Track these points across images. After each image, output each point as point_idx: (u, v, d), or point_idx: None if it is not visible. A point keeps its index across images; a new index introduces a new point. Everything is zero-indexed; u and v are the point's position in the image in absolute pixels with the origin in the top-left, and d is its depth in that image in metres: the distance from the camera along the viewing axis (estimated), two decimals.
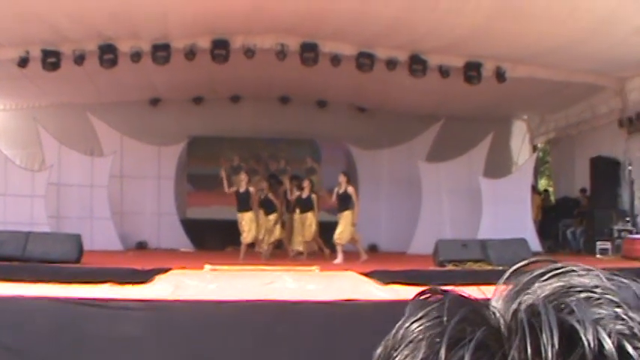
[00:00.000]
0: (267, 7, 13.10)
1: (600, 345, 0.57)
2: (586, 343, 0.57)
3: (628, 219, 16.15)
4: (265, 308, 7.50)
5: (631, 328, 0.59)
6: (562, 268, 0.66)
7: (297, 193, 15.90)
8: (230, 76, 17.15)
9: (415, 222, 17.84)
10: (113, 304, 7.36)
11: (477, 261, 12.65)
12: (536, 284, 0.65)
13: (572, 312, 0.60)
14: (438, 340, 0.61)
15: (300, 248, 16.01)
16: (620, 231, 15.72)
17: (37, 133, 17.44)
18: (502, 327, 0.61)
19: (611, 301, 0.62)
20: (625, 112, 16.32)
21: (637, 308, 0.61)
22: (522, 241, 13.47)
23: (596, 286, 0.63)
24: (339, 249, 14.53)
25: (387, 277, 9.44)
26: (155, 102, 20.04)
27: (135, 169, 18.66)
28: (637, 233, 15.48)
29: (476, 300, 0.65)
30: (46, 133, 17.49)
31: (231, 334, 7.25)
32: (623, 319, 0.60)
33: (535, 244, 15.40)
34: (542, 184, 25.26)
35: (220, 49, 14.70)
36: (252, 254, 14.94)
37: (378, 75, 15.48)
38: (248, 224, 15.23)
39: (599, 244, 15.47)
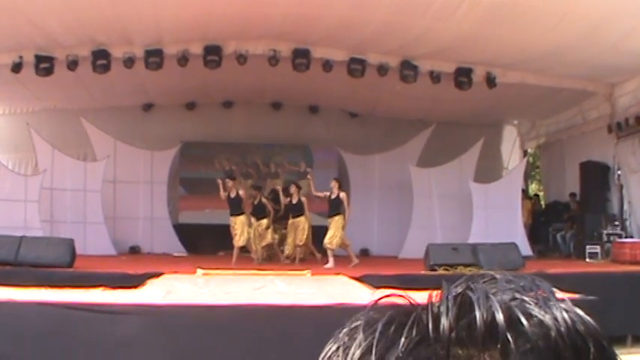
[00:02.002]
0: (259, 13, 13.16)
1: (492, 313, 0.66)
2: (477, 309, 0.66)
3: (617, 223, 16.26)
4: (257, 312, 7.55)
5: (522, 301, 0.67)
6: (467, 278, 0.74)
7: (286, 200, 16.02)
8: (222, 82, 17.19)
9: (406, 226, 17.90)
10: (106, 309, 7.40)
11: (467, 265, 12.68)
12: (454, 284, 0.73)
13: (473, 290, 0.69)
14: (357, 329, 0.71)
15: (288, 252, 16.10)
16: (609, 235, 15.80)
17: (30, 137, 17.44)
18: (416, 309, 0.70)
19: (509, 281, 0.71)
20: (614, 118, 16.42)
21: (531, 289, 0.70)
22: (513, 246, 13.53)
23: (498, 274, 0.73)
24: (330, 253, 14.58)
25: (378, 282, 9.52)
26: (148, 107, 20.06)
27: (128, 173, 18.69)
28: (626, 237, 15.58)
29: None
30: (39, 137, 17.50)
31: (223, 338, 7.30)
32: (516, 294, 0.68)
33: (525, 249, 15.48)
34: (533, 188, 25.34)
35: (213, 54, 14.75)
36: (245, 259, 14.97)
37: (370, 80, 15.55)
38: (240, 227, 15.26)
39: (589, 248, 15.54)
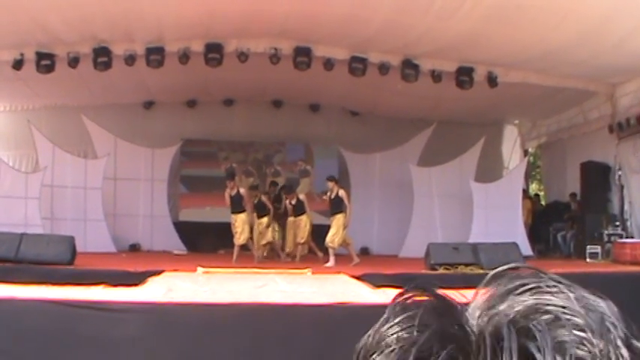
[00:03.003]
0: (260, 11, 13.15)
1: None
2: None
3: (618, 223, 16.26)
4: (257, 311, 7.55)
5: (592, 355, 0.62)
6: (535, 282, 0.69)
7: (286, 202, 16.10)
8: (223, 80, 17.18)
9: (407, 225, 17.89)
10: (106, 306, 7.40)
11: (468, 264, 12.69)
12: (509, 298, 0.68)
13: (534, 338, 0.63)
14: (407, 353, 0.65)
15: (288, 249, 16.16)
16: (610, 235, 15.79)
17: (30, 134, 17.44)
18: (471, 345, 0.65)
19: (576, 325, 0.64)
20: (615, 118, 16.41)
21: (600, 334, 0.63)
22: (513, 245, 13.52)
23: (564, 307, 0.65)
24: (331, 252, 14.58)
25: (378, 280, 9.50)
26: (149, 105, 20.07)
27: (128, 171, 18.70)
28: (627, 238, 15.58)
29: (452, 308, 0.69)
30: (40, 134, 17.51)
31: (223, 337, 7.30)
32: (584, 345, 0.62)
33: (526, 248, 15.48)
34: (533, 188, 25.34)
35: (214, 52, 14.74)
36: (245, 256, 14.96)
37: (371, 79, 15.55)
38: (241, 225, 15.24)
39: (590, 248, 15.53)
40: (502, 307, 0.67)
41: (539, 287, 0.68)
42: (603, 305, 0.67)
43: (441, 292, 0.71)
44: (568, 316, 0.64)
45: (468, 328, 0.66)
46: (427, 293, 0.71)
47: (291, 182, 19.09)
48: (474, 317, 0.68)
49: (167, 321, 7.38)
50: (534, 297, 0.67)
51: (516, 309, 0.66)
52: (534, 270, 0.72)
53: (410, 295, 0.72)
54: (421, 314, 0.68)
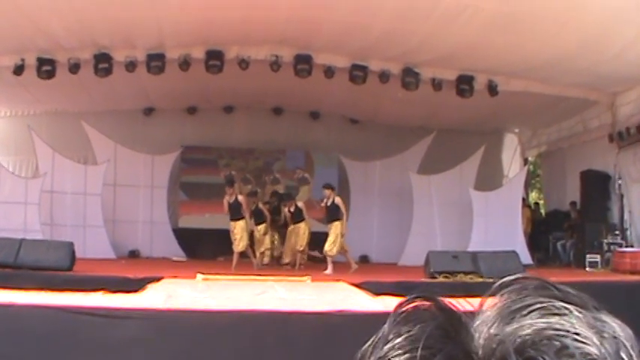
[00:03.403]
0: (261, 18, 13.16)
1: None
2: None
3: (617, 232, 16.24)
4: (257, 318, 7.55)
5: None
6: (540, 302, 0.64)
7: (285, 209, 16.11)
8: (224, 87, 17.21)
9: (406, 233, 17.88)
10: (105, 312, 7.40)
11: (467, 273, 12.69)
12: (516, 319, 0.64)
13: None
14: None
15: (287, 259, 16.18)
16: (609, 244, 15.79)
17: (30, 140, 17.44)
18: None
19: (588, 354, 0.59)
20: (616, 127, 16.41)
21: None
22: (513, 254, 13.54)
23: (576, 334, 0.61)
24: (329, 260, 14.57)
25: (378, 288, 9.51)
26: (149, 111, 20.08)
27: (128, 177, 18.68)
28: (626, 247, 15.57)
29: (458, 326, 0.65)
30: (40, 140, 17.51)
31: (222, 344, 7.30)
32: None
33: (525, 257, 15.46)
34: (533, 197, 25.34)
35: (215, 59, 14.76)
36: (245, 264, 14.94)
37: (371, 87, 15.56)
38: (240, 232, 15.24)
39: (589, 257, 15.53)
40: (508, 329, 0.63)
41: (546, 307, 0.64)
42: (618, 330, 0.62)
43: (446, 303, 0.68)
44: (579, 344, 0.60)
45: (475, 356, 0.63)
46: (431, 304, 0.68)
47: (290, 190, 19.11)
48: (480, 336, 0.64)
49: (166, 327, 7.38)
50: (542, 320, 0.63)
51: (523, 333, 0.62)
52: (542, 282, 0.68)
53: (412, 305, 0.68)
54: (426, 336, 0.63)
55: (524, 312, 0.64)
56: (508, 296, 0.67)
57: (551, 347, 0.60)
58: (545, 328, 0.61)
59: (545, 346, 0.60)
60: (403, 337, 0.64)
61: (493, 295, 0.68)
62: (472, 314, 0.67)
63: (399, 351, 0.63)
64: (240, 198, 15.46)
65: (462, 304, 0.69)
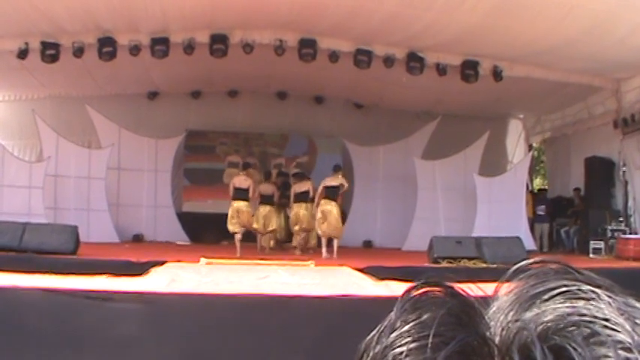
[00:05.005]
0: (265, 2, 13.15)
1: None
2: None
3: (621, 219, 16.24)
4: (260, 302, 7.56)
5: None
6: (565, 285, 0.59)
7: (295, 186, 15.83)
8: (228, 71, 17.18)
9: (410, 219, 17.89)
10: (109, 296, 7.41)
11: (471, 258, 12.71)
12: (536, 304, 0.58)
13: (570, 358, 0.53)
14: None
15: (294, 242, 16.12)
16: (613, 231, 15.80)
17: (35, 124, 17.45)
18: None
19: (619, 342, 0.53)
20: (620, 113, 16.37)
21: None
22: (517, 240, 13.54)
23: (606, 320, 0.55)
24: (335, 244, 14.54)
25: (381, 273, 9.51)
26: (153, 95, 20.08)
27: (132, 161, 18.69)
28: (630, 233, 15.56)
29: (472, 312, 0.60)
30: (44, 124, 17.49)
31: (225, 328, 7.31)
32: None
33: (529, 243, 15.48)
34: (537, 183, 25.30)
35: (219, 43, 14.73)
36: (249, 248, 14.92)
37: (376, 72, 15.53)
38: (232, 212, 14.94)
39: (593, 244, 15.54)
40: (528, 315, 0.58)
41: (571, 291, 0.58)
42: None
43: (458, 289, 0.62)
44: (609, 331, 0.54)
45: (492, 343, 0.57)
46: (442, 290, 0.62)
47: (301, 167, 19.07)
48: (496, 323, 0.59)
49: (169, 311, 7.39)
50: (566, 304, 0.57)
51: (546, 319, 0.56)
52: (562, 265, 0.63)
53: (421, 291, 0.63)
54: (437, 323, 0.58)
55: (546, 296, 0.58)
56: (526, 281, 0.61)
57: (579, 334, 0.54)
58: (570, 314, 0.56)
59: (572, 333, 0.54)
60: (411, 324, 0.59)
61: (509, 280, 0.63)
62: (486, 301, 0.62)
63: (408, 339, 0.58)
64: (249, 182, 15.10)
65: (475, 290, 0.64)
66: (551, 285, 0.59)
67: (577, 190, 18.51)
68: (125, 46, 14.61)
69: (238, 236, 14.79)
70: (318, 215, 14.68)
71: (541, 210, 18.50)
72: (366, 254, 14.85)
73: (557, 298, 0.58)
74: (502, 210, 16.56)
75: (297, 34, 14.81)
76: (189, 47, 14.78)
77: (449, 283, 0.63)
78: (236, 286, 8.38)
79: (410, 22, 13.56)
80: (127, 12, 13.46)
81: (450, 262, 12.49)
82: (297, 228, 15.71)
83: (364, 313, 7.05)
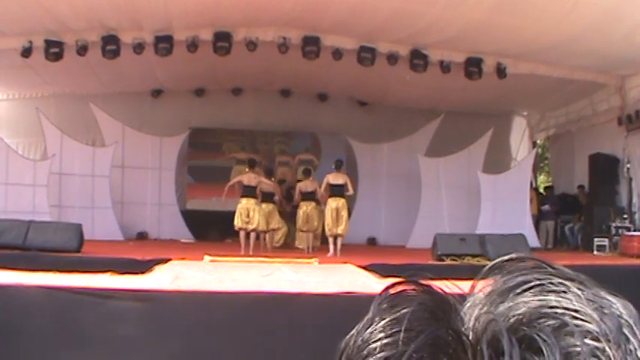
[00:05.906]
0: None
1: None
2: None
3: (626, 216, 16.21)
4: (264, 299, 7.57)
5: None
6: (538, 279, 0.60)
7: (301, 187, 15.76)
8: (232, 69, 17.18)
9: (414, 216, 17.85)
10: (113, 294, 7.43)
11: (475, 255, 12.69)
12: (509, 298, 0.60)
13: (539, 350, 0.55)
14: None
15: (301, 244, 16.08)
16: (617, 228, 15.76)
17: (39, 122, 17.45)
18: (466, 356, 0.57)
19: (588, 332, 0.55)
20: (624, 110, 16.35)
21: (617, 344, 0.54)
22: (521, 237, 13.52)
23: (576, 311, 0.57)
24: (339, 242, 14.53)
25: (385, 271, 9.51)
26: (157, 93, 20.07)
27: (136, 159, 18.69)
28: (634, 230, 15.54)
29: (445, 307, 0.62)
30: (49, 122, 17.50)
31: (229, 325, 7.32)
32: (598, 357, 0.54)
33: (533, 240, 15.47)
34: (542, 180, 25.27)
35: (222, 41, 14.73)
36: (253, 246, 14.88)
37: (379, 69, 15.52)
38: (240, 210, 14.92)
39: (597, 241, 15.50)
40: (500, 308, 0.60)
41: (542, 285, 0.60)
42: (620, 307, 0.58)
43: (433, 285, 0.64)
44: (578, 322, 0.56)
45: (464, 336, 0.58)
46: (418, 287, 0.64)
47: (307, 164, 18.98)
48: (470, 318, 0.60)
49: (173, 309, 7.40)
50: (538, 297, 0.59)
51: (517, 312, 0.58)
52: (537, 261, 0.64)
53: (398, 289, 0.65)
54: (409, 317, 0.60)
55: (518, 290, 0.60)
56: (501, 277, 0.63)
57: (548, 325, 0.56)
58: (541, 306, 0.58)
59: (542, 324, 0.56)
60: (386, 320, 0.62)
61: (485, 277, 0.65)
62: (462, 297, 0.64)
63: (381, 334, 0.61)
64: (257, 180, 15.06)
65: (452, 288, 0.65)
66: (523, 279, 0.61)
67: (581, 187, 18.47)
68: (129, 44, 14.61)
69: (243, 233, 14.78)
70: (328, 214, 14.67)
71: (547, 207, 18.49)
72: (369, 251, 14.84)
73: (529, 291, 0.60)
74: (506, 207, 16.53)
75: (300, 32, 14.80)
76: (193, 45, 14.78)
77: (425, 281, 0.64)
78: (240, 283, 8.39)
79: (413, 18, 13.55)
80: (131, 10, 13.47)
81: (454, 260, 12.48)
82: (305, 228, 15.69)
83: (367, 310, 7.04)
